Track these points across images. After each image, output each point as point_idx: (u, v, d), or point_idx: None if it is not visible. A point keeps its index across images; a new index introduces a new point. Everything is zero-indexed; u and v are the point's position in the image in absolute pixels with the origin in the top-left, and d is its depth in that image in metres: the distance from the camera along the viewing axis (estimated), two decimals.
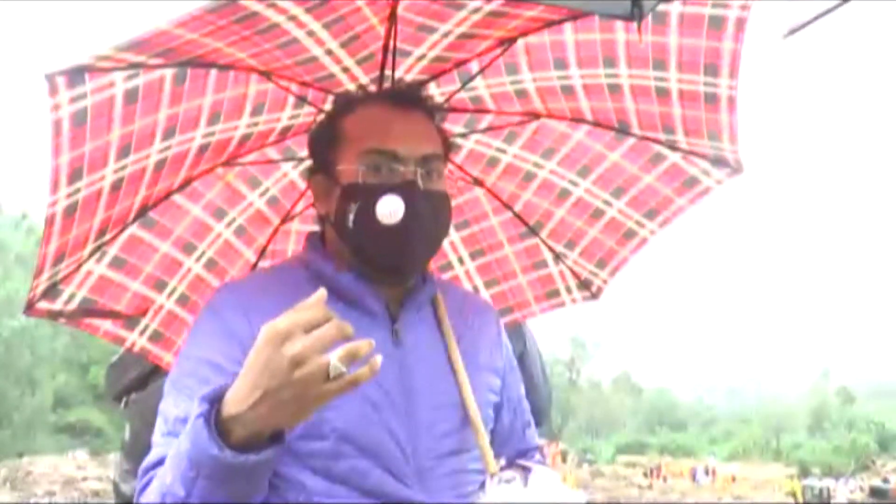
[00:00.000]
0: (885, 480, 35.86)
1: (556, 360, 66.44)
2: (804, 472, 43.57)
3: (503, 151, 1.62)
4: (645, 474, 39.62)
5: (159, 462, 1.07)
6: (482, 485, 1.10)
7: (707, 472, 41.14)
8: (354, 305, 1.21)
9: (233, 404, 0.94)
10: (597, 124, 1.53)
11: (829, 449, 49.82)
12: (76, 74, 1.00)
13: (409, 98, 1.27)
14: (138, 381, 2.49)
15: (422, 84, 1.40)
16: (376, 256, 1.15)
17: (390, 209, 1.13)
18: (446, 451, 1.21)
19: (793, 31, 1.40)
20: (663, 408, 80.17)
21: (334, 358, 0.88)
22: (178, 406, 1.12)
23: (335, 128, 1.27)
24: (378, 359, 0.90)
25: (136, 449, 2.37)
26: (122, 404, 2.55)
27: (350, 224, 1.19)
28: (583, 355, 70.25)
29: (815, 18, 1.42)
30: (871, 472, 43.34)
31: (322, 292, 0.94)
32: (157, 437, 1.13)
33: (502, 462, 1.14)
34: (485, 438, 1.19)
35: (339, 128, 1.26)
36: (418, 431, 1.19)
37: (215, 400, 0.96)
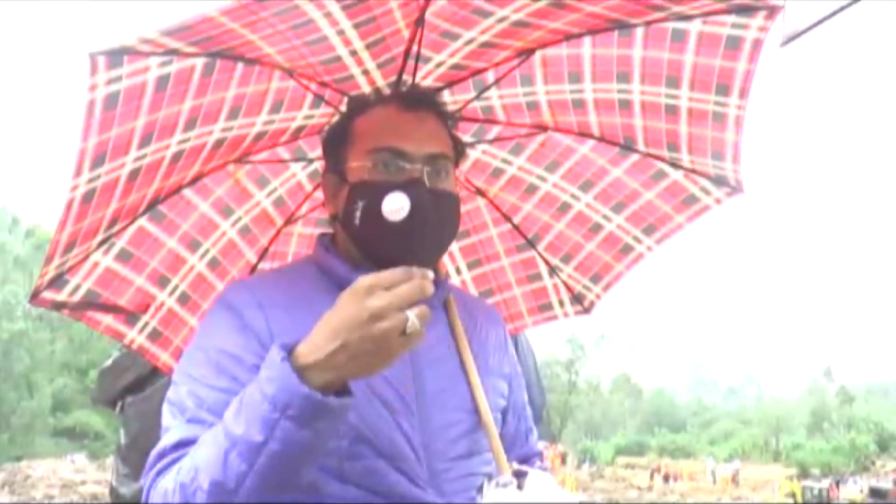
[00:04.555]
0: (885, 480, 35.78)
1: (555, 361, 64.87)
2: (804, 473, 43.07)
3: (508, 163, 1.57)
4: (665, 477, 39.31)
5: (181, 444, 1.02)
6: (479, 488, 1.06)
7: (727, 473, 41.13)
8: None
9: (308, 354, 0.94)
10: (602, 139, 1.48)
11: (829, 449, 47.35)
12: (117, 56, 0.94)
13: (420, 101, 1.23)
14: (135, 385, 2.44)
15: (437, 91, 1.35)
16: (383, 254, 1.11)
17: (396, 206, 1.09)
18: (459, 453, 1.15)
19: (790, 39, 1.38)
20: (662, 409, 79.75)
21: (412, 315, 0.92)
22: (194, 395, 1.06)
23: (347, 128, 1.22)
24: (425, 309, 0.93)
25: (135, 452, 2.29)
26: (118, 408, 2.50)
27: (357, 221, 1.15)
28: (581, 356, 69.27)
29: (813, 26, 1.41)
30: (870, 473, 43.14)
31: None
32: (173, 423, 1.06)
33: (515, 466, 1.09)
34: (498, 441, 1.14)
35: (351, 128, 1.22)
36: (432, 434, 1.13)
37: (287, 351, 0.96)
